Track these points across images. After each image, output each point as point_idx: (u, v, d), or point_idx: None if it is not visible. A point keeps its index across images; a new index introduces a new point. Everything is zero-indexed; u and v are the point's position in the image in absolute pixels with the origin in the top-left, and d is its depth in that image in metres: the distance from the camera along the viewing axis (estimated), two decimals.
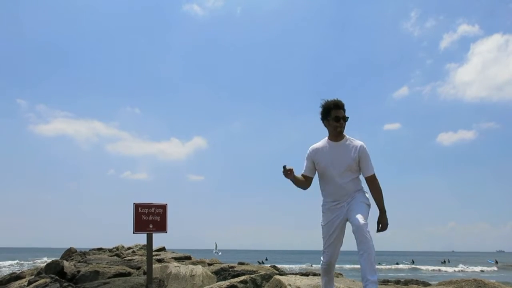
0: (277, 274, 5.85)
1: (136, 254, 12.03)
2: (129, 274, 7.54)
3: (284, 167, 3.06)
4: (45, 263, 8.36)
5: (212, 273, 7.29)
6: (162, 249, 13.89)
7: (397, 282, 7.41)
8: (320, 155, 3.24)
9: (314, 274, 6.74)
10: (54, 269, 7.35)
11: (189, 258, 10.57)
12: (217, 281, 6.65)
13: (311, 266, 37.46)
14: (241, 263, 9.60)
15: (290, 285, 4.37)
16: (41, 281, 6.28)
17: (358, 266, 2.95)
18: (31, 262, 40.31)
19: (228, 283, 5.26)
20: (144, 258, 9.05)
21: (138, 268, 8.34)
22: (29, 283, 6.47)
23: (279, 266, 13.76)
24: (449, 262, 56.30)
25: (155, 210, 5.77)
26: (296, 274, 7.36)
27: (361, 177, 3.30)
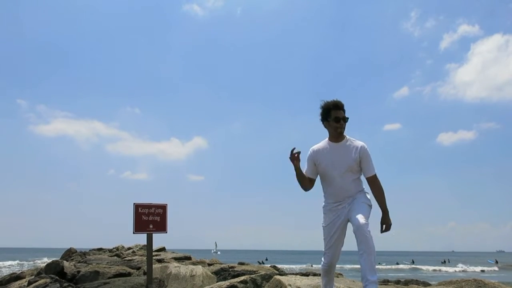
0: (277, 274, 5.84)
1: (136, 254, 12.02)
2: (129, 274, 7.53)
3: (293, 150, 3.08)
4: (45, 263, 8.36)
5: (212, 273, 7.28)
6: (162, 249, 13.88)
7: (397, 282, 7.41)
8: (321, 157, 3.22)
9: (314, 274, 6.74)
10: (54, 269, 7.34)
11: (189, 258, 10.56)
12: (217, 281, 6.64)
13: (311, 266, 37.46)
14: (241, 263, 9.59)
15: (290, 285, 4.36)
16: (41, 281, 6.27)
17: (358, 266, 2.94)
18: (31, 262, 40.32)
19: (228, 283, 5.25)
20: (144, 258, 9.04)
21: (138, 268, 8.33)
22: (29, 283, 6.47)
23: (279, 266, 13.74)
24: (449, 262, 56.31)
25: (155, 210, 5.76)
26: (296, 274, 7.36)
27: (362, 178, 3.29)
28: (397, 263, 49.17)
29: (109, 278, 6.94)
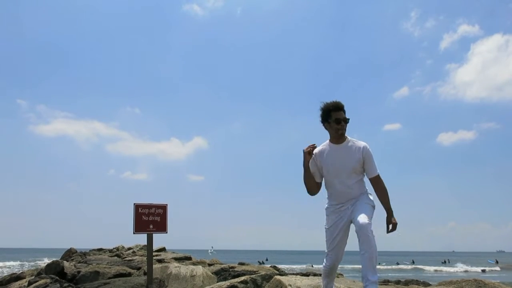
0: (277, 274, 5.84)
1: (136, 255, 12.01)
2: (129, 274, 7.53)
3: (313, 145, 3.16)
4: (45, 264, 8.36)
5: (212, 273, 7.28)
6: (163, 249, 13.88)
7: (398, 282, 7.41)
8: (323, 159, 3.19)
9: (315, 274, 6.74)
10: (54, 270, 7.34)
11: (189, 258, 10.56)
12: (217, 282, 6.64)
13: (312, 266, 37.43)
14: (241, 263, 9.59)
15: (290, 285, 4.36)
16: (41, 281, 6.27)
17: (359, 266, 2.93)
18: (32, 262, 40.31)
19: (228, 283, 5.24)
20: (145, 258, 9.04)
21: (139, 269, 8.33)
22: (29, 283, 6.47)
23: (279, 266, 13.75)
24: (449, 262, 56.29)
25: (155, 211, 5.76)
26: (297, 274, 7.36)
27: (365, 179, 3.26)
28: (397, 263, 49.16)
29: (109, 278, 6.94)
